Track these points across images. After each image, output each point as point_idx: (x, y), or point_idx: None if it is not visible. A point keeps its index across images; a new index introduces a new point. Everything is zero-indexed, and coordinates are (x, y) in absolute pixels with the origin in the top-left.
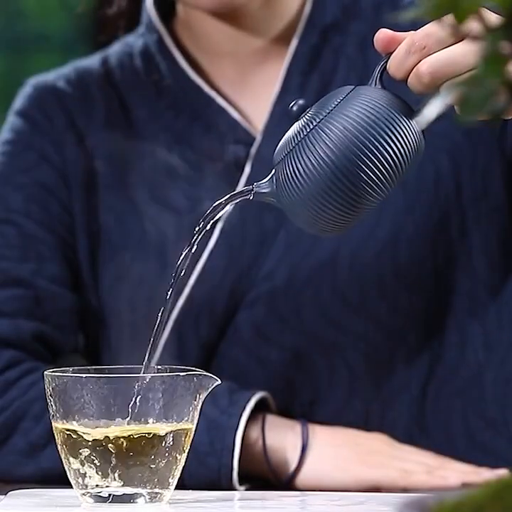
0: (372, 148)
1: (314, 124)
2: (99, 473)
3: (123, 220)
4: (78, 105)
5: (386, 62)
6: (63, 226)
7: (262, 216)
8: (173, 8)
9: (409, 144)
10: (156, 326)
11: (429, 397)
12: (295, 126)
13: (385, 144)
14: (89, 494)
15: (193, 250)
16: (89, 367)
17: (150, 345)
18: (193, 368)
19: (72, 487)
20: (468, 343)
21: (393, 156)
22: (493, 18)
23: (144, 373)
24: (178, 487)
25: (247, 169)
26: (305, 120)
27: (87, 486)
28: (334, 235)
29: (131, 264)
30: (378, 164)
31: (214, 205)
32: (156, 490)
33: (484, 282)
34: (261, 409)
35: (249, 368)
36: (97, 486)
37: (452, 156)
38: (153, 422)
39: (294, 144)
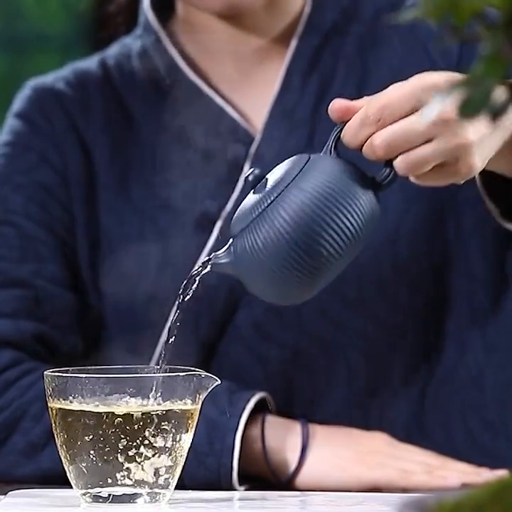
0: (329, 222)
1: (272, 198)
2: (99, 472)
3: (123, 220)
4: (78, 106)
5: (341, 130)
6: (63, 227)
7: None
8: (171, 8)
9: (365, 214)
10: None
11: (428, 397)
12: (253, 199)
13: (341, 215)
14: (88, 494)
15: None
16: (88, 367)
17: (163, 351)
18: (193, 368)
19: (72, 487)
20: (468, 345)
21: (350, 227)
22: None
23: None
24: (178, 487)
25: (247, 168)
26: (262, 194)
27: (86, 485)
28: (295, 303)
29: (131, 264)
30: (335, 237)
31: (182, 285)
32: (156, 490)
33: (482, 285)
34: (261, 409)
35: (249, 367)
36: (96, 485)
37: None
38: (152, 422)
39: (252, 218)
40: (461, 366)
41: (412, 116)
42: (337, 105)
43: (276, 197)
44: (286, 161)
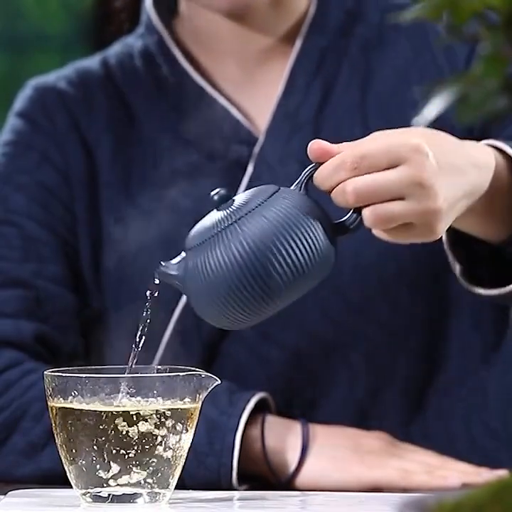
0: (283, 253)
1: (233, 219)
2: (99, 472)
3: (125, 220)
4: (80, 105)
5: (315, 169)
6: (65, 227)
7: None
8: (174, 7)
9: (319, 254)
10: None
11: (430, 400)
12: (214, 217)
13: (296, 249)
14: (88, 494)
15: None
16: (88, 367)
17: (133, 350)
18: (193, 368)
19: (72, 487)
20: (469, 350)
21: (302, 262)
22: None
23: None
24: (178, 487)
25: (250, 169)
26: (225, 213)
27: (86, 485)
28: (234, 328)
29: (132, 265)
30: (286, 269)
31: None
32: (156, 490)
33: None
34: (261, 409)
35: (250, 367)
36: (96, 485)
37: None
38: (152, 422)
39: (209, 235)
40: (464, 372)
41: (391, 172)
42: (316, 146)
43: (237, 220)
44: (255, 188)
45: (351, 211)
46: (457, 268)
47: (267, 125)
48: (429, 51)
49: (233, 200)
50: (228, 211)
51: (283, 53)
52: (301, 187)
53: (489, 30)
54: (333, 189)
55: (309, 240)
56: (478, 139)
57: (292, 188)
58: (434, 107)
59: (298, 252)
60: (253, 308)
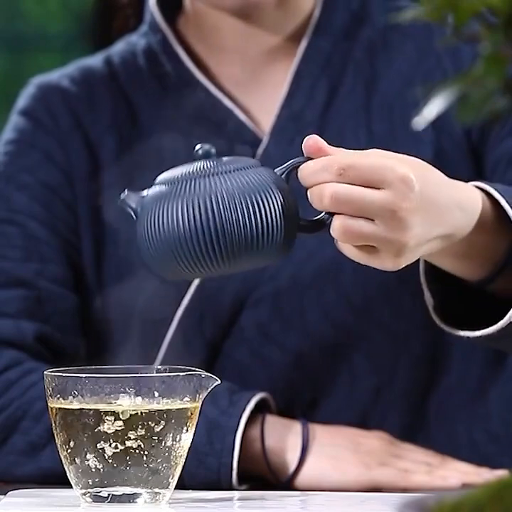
0: (241, 223)
1: (205, 174)
2: (99, 472)
3: (127, 220)
4: (83, 104)
5: (302, 163)
6: (67, 226)
7: None
8: (179, 5)
9: (274, 236)
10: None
11: (432, 403)
12: (190, 166)
13: (253, 223)
14: (88, 494)
15: None
16: (88, 367)
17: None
18: (193, 368)
19: (72, 487)
20: (471, 353)
21: (255, 240)
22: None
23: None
24: (178, 487)
25: None
26: (200, 167)
27: (86, 485)
28: (167, 278)
29: (135, 265)
30: (238, 238)
31: None
32: (156, 490)
33: None
34: (261, 409)
35: (252, 368)
36: (96, 485)
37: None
38: (152, 422)
39: (178, 180)
40: (466, 377)
41: (371, 191)
42: (311, 141)
43: (209, 175)
44: (241, 157)
45: (322, 214)
46: (431, 304)
47: (271, 126)
48: (434, 54)
49: (216, 158)
50: (204, 165)
51: (288, 54)
52: (283, 173)
53: (489, 30)
54: (312, 187)
55: (270, 220)
56: (477, 141)
57: (276, 170)
58: (434, 107)
59: (254, 225)
60: (192, 263)
